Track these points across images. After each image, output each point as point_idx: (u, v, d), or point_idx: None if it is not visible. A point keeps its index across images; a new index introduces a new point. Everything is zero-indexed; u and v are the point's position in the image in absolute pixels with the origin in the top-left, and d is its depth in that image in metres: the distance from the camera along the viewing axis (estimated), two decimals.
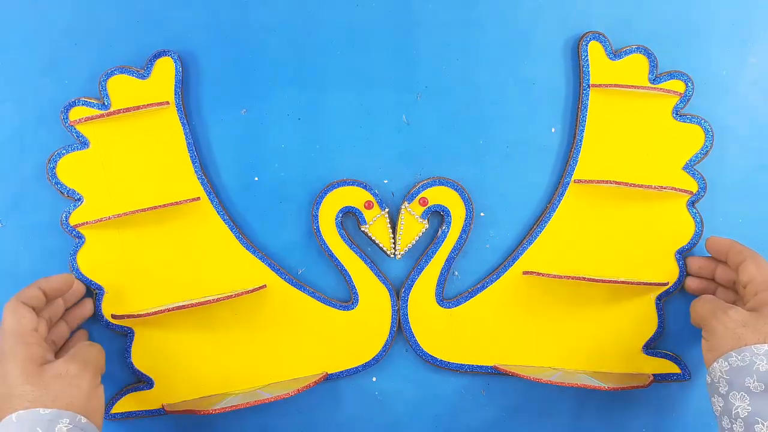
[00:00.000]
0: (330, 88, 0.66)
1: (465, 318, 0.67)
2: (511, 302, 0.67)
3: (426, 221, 0.66)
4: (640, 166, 0.66)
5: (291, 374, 0.67)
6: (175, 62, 0.63)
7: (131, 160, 0.63)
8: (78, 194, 0.63)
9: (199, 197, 0.64)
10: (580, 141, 0.66)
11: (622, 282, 0.65)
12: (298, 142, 0.66)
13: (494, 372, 0.67)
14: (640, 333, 0.67)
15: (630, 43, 0.66)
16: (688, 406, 0.69)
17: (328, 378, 0.67)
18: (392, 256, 0.66)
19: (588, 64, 0.65)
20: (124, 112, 0.62)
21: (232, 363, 0.66)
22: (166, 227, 0.64)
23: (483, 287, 0.67)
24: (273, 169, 0.66)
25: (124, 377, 0.66)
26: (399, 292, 0.67)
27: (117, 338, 0.65)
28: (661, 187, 0.65)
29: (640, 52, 0.65)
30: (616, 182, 0.65)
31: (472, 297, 0.67)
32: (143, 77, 0.63)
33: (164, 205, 0.63)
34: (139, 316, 0.63)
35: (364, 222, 0.65)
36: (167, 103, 0.63)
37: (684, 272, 0.67)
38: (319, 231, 0.65)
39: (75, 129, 0.62)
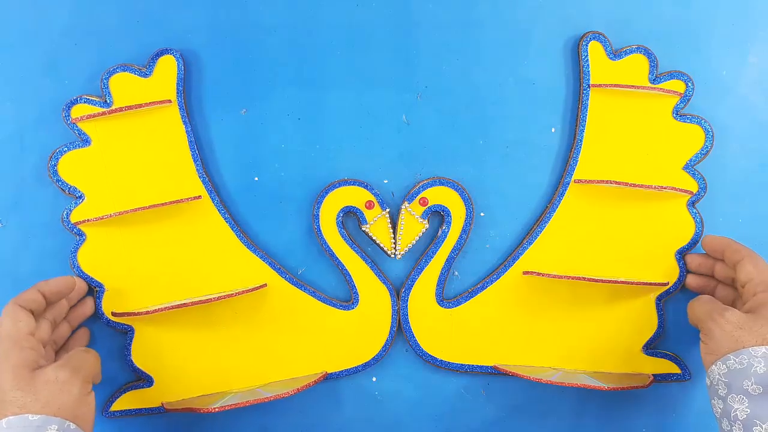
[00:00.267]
0: (330, 88, 0.66)
1: (465, 318, 0.67)
2: (511, 302, 0.67)
3: (426, 221, 0.66)
4: (640, 166, 0.66)
5: (291, 373, 0.67)
6: (177, 60, 0.63)
7: (133, 158, 0.64)
8: (79, 192, 0.63)
9: (200, 195, 0.64)
10: (580, 141, 0.66)
11: (622, 282, 0.65)
12: (298, 142, 0.66)
13: (494, 372, 0.67)
14: (640, 333, 0.67)
15: (630, 42, 0.66)
16: (689, 405, 0.69)
17: (328, 377, 0.66)
18: (393, 256, 0.66)
19: (588, 64, 0.65)
20: (126, 110, 0.62)
21: (232, 361, 0.66)
22: (167, 225, 0.64)
23: (483, 287, 0.67)
24: (273, 169, 0.66)
25: (124, 375, 0.66)
26: (399, 292, 0.67)
27: (117, 336, 0.65)
28: (661, 187, 0.65)
29: (641, 52, 0.65)
30: (616, 182, 0.65)
31: (472, 297, 0.67)
32: (145, 75, 0.63)
33: (165, 203, 0.63)
34: (139, 313, 0.63)
35: (365, 222, 0.65)
36: (169, 101, 0.63)
37: (684, 272, 0.67)
38: (320, 230, 0.65)
39: (77, 126, 0.63)
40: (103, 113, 0.62)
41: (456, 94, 0.66)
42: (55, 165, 0.63)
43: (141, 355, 0.65)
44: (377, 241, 0.66)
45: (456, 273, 0.68)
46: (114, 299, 0.64)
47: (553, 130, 0.67)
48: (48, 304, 0.59)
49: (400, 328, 0.67)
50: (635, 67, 0.65)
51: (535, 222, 0.67)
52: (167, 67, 0.63)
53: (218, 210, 0.65)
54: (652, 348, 0.68)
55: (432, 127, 0.67)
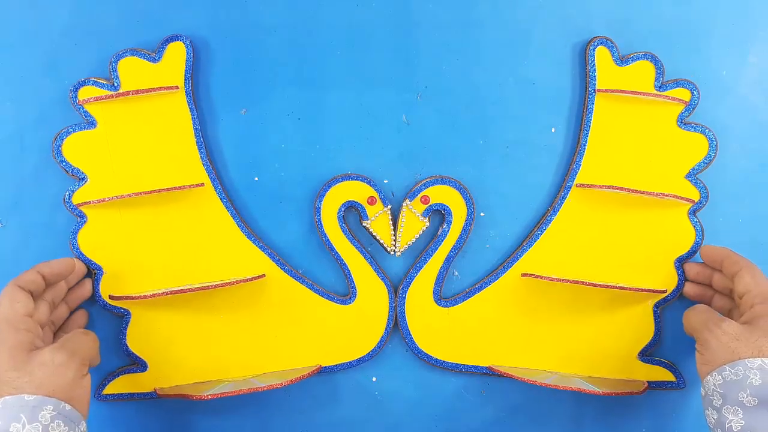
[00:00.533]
0: (330, 88, 0.66)
1: (462, 318, 0.67)
2: (509, 304, 0.67)
3: (427, 219, 0.66)
4: (642, 172, 0.66)
5: (285, 365, 0.67)
6: (186, 48, 0.63)
7: (137, 142, 0.64)
8: (83, 173, 0.63)
9: (203, 183, 0.64)
10: (584, 145, 0.66)
11: (621, 288, 0.65)
12: (298, 142, 0.66)
13: (490, 373, 0.67)
14: (637, 340, 0.67)
15: (630, 43, 0.66)
16: (688, 410, 0.69)
17: (324, 371, 0.66)
18: (392, 253, 0.66)
19: (594, 69, 0.65)
20: (133, 94, 0.63)
21: (227, 350, 0.66)
22: (168, 211, 0.65)
23: (481, 287, 0.67)
24: (273, 169, 0.66)
25: (118, 359, 0.66)
26: (397, 289, 0.67)
27: (113, 319, 0.65)
28: (663, 194, 0.65)
29: (647, 59, 0.65)
30: (619, 188, 0.65)
31: (470, 297, 0.67)
32: (154, 61, 0.63)
33: (168, 189, 0.64)
34: (136, 298, 0.63)
35: (366, 217, 0.65)
36: (176, 87, 0.64)
37: (683, 281, 0.67)
38: (321, 224, 0.65)
39: (83, 108, 0.63)
40: (110, 96, 0.63)
41: (456, 94, 0.67)
42: (60, 145, 0.63)
43: (136, 340, 0.65)
44: (377, 238, 0.66)
45: (456, 273, 0.67)
46: (112, 282, 0.64)
47: (553, 130, 0.67)
48: (48, 285, 0.59)
49: (397, 325, 0.67)
50: (641, 73, 0.65)
51: (536, 223, 0.67)
52: (176, 54, 0.64)
53: (220, 198, 0.65)
54: (647, 355, 0.67)
55: (432, 127, 0.67)
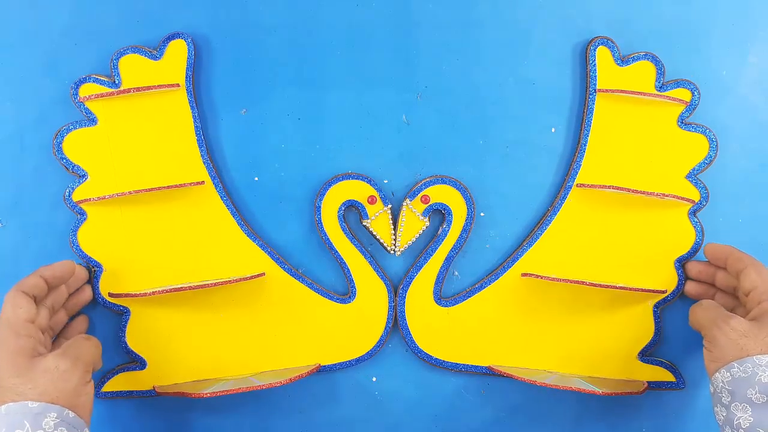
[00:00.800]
0: (330, 88, 0.66)
1: (462, 317, 0.67)
2: (509, 303, 0.67)
3: (427, 219, 0.66)
4: (643, 172, 0.66)
5: (284, 364, 0.66)
6: (188, 45, 0.64)
7: (138, 140, 0.64)
8: (83, 170, 0.63)
9: (203, 181, 0.64)
10: (584, 145, 0.66)
11: (621, 288, 0.65)
12: (298, 142, 0.66)
13: (490, 373, 0.67)
14: (637, 340, 0.67)
15: (630, 43, 0.66)
16: (689, 409, 0.69)
17: (323, 370, 0.66)
18: (392, 252, 0.66)
19: (595, 69, 0.65)
20: (134, 91, 0.63)
21: (227, 349, 0.66)
22: (168, 209, 0.65)
23: (481, 287, 0.67)
24: (273, 169, 0.66)
25: (117, 356, 0.66)
26: (397, 288, 0.67)
27: (113, 317, 0.65)
28: (664, 194, 0.65)
29: (648, 59, 0.65)
30: (619, 188, 0.65)
31: (469, 297, 0.67)
32: (155, 58, 0.64)
33: (168, 187, 0.64)
34: (136, 295, 0.63)
35: (367, 217, 0.65)
36: (177, 85, 0.64)
37: (683, 281, 0.67)
38: (321, 223, 0.65)
39: (84, 105, 0.63)
40: (111, 93, 0.63)
41: (456, 94, 0.67)
42: (61, 142, 0.63)
43: (135, 338, 0.65)
44: (378, 237, 0.66)
45: (456, 273, 0.67)
46: (112, 280, 0.64)
47: (553, 130, 0.67)
48: (49, 289, 0.59)
49: (396, 324, 0.67)
50: (642, 74, 0.65)
51: (536, 223, 0.67)
52: (178, 51, 0.64)
53: (220, 197, 0.65)
54: (647, 355, 0.67)
55: (432, 127, 0.67)
